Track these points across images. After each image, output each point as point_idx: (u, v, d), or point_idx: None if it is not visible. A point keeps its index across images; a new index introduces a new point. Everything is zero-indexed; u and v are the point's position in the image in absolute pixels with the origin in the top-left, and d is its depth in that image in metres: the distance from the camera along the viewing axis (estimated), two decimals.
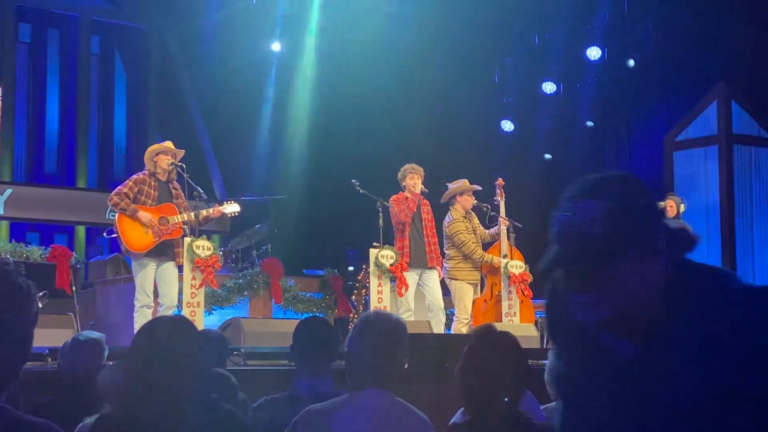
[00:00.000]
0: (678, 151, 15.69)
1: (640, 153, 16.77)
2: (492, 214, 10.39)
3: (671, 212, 11.04)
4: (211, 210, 8.71)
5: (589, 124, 17.10)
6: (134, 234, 8.34)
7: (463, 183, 10.24)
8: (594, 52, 16.29)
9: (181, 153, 8.75)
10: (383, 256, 9.33)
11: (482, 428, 3.21)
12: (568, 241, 1.91)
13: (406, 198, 9.64)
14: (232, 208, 8.99)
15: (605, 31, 16.18)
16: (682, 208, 11.20)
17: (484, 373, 3.19)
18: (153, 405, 2.70)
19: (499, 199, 10.49)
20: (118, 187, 8.52)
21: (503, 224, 10.32)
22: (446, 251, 10.07)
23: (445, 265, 9.97)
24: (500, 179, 10.62)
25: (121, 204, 8.36)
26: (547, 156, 17.56)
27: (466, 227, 10.11)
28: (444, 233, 10.14)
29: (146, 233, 8.34)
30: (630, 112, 16.99)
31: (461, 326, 9.78)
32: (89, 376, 4.61)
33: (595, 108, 16.91)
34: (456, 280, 9.98)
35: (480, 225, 10.33)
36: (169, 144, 8.80)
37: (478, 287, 10.23)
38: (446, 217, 10.22)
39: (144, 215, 8.34)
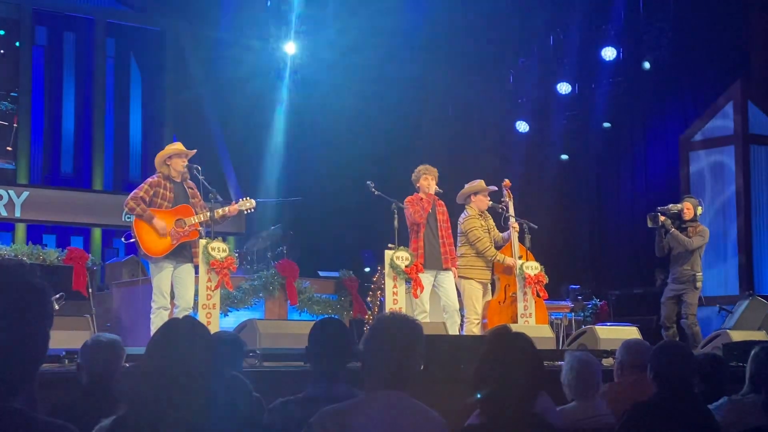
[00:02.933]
0: (694, 151, 15.63)
1: (656, 153, 16.73)
2: (506, 215, 10.36)
3: (689, 214, 10.99)
4: (227, 208, 8.70)
5: (606, 125, 17.05)
6: (152, 238, 8.34)
7: (479, 183, 10.22)
8: (609, 53, 16.26)
9: (193, 152, 8.73)
10: (398, 257, 9.32)
11: (498, 430, 3.21)
12: None
13: (421, 199, 9.62)
14: (247, 204, 8.98)
15: (620, 31, 16.14)
16: (699, 210, 11.15)
17: (500, 375, 3.19)
18: (168, 407, 2.71)
19: (507, 200, 10.45)
20: (134, 192, 8.50)
21: (514, 226, 10.29)
22: (458, 249, 10.04)
23: (456, 262, 9.94)
24: (506, 180, 10.57)
25: (137, 209, 8.35)
26: (564, 157, 17.53)
27: (481, 225, 10.09)
28: (458, 230, 10.12)
29: (163, 237, 8.34)
30: (645, 112, 16.94)
31: (472, 326, 9.74)
32: (108, 377, 4.62)
33: (610, 108, 16.87)
34: (466, 279, 9.95)
35: (494, 227, 10.31)
36: (179, 146, 8.75)
37: (489, 287, 10.20)
38: (462, 214, 10.21)
39: (158, 223, 8.32)
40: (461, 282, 9.93)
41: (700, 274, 10.91)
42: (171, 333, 2.88)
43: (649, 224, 11.06)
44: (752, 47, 15.21)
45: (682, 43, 15.63)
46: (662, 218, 10.93)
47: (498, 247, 10.22)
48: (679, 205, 11.08)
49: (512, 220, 10.31)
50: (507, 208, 10.42)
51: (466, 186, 10.24)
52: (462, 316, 9.77)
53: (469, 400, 3.28)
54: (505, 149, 17.07)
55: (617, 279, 15.54)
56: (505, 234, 10.33)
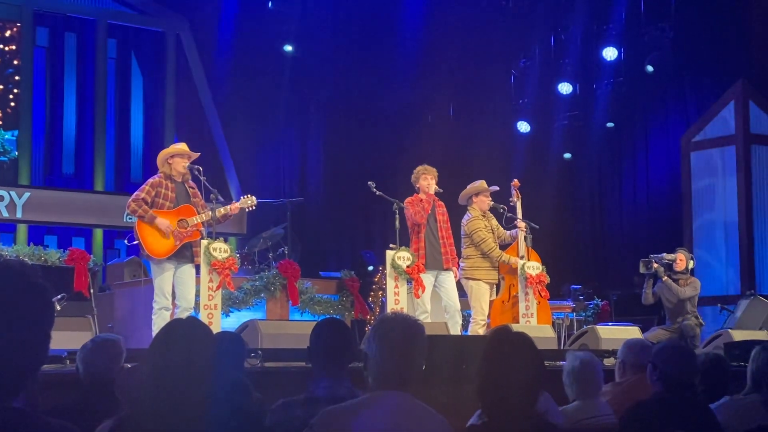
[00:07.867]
0: (695, 151, 15.63)
1: (657, 153, 16.74)
2: (509, 215, 10.35)
3: (680, 266, 11.02)
4: (229, 207, 8.70)
5: (610, 125, 17.05)
6: (154, 239, 8.33)
7: (480, 184, 10.20)
8: (610, 53, 16.26)
9: (196, 155, 8.73)
10: (400, 257, 9.32)
11: (500, 430, 3.21)
12: None
13: (421, 200, 9.62)
14: (249, 201, 8.98)
15: (621, 31, 16.15)
16: (691, 264, 11.19)
17: (501, 375, 3.19)
18: (170, 408, 2.71)
19: (516, 200, 10.44)
20: (135, 193, 8.49)
21: (520, 226, 10.28)
22: (464, 250, 10.03)
23: (461, 264, 9.93)
24: (516, 180, 10.57)
25: (138, 211, 8.33)
26: (567, 155, 17.53)
27: (485, 225, 10.08)
28: (462, 231, 10.10)
29: (166, 238, 8.34)
30: (647, 112, 16.95)
31: (478, 327, 9.73)
32: (108, 377, 4.63)
33: (611, 109, 16.87)
34: (473, 279, 9.93)
35: (499, 226, 10.30)
36: (183, 146, 8.75)
37: (495, 288, 10.19)
38: (465, 216, 10.18)
39: (161, 222, 8.32)
40: (468, 283, 9.93)
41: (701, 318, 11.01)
42: (173, 333, 2.88)
43: (642, 270, 11.11)
44: (753, 47, 15.21)
45: (683, 43, 15.63)
46: (655, 265, 10.98)
47: (505, 246, 10.23)
48: (672, 256, 11.12)
49: (519, 220, 10.31)
50: (513, 208, 10.41)
51: (468, 186, 10.23)
52: (466, 316, 9.76)
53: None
54: (506, 149, 17.07)
55: (619, 279, 15.54)
56: (513, 232, 10.32)
